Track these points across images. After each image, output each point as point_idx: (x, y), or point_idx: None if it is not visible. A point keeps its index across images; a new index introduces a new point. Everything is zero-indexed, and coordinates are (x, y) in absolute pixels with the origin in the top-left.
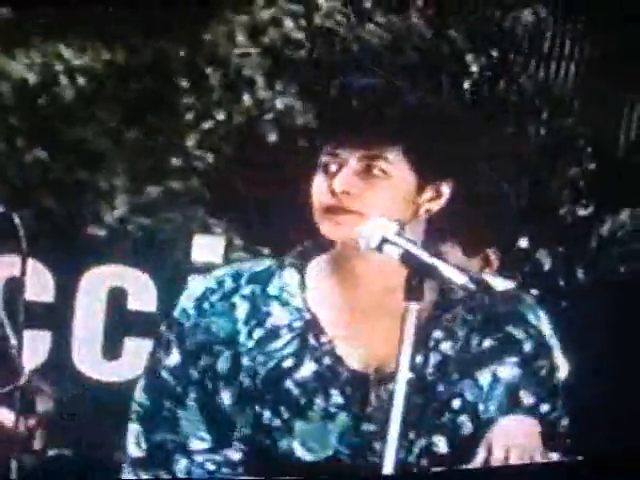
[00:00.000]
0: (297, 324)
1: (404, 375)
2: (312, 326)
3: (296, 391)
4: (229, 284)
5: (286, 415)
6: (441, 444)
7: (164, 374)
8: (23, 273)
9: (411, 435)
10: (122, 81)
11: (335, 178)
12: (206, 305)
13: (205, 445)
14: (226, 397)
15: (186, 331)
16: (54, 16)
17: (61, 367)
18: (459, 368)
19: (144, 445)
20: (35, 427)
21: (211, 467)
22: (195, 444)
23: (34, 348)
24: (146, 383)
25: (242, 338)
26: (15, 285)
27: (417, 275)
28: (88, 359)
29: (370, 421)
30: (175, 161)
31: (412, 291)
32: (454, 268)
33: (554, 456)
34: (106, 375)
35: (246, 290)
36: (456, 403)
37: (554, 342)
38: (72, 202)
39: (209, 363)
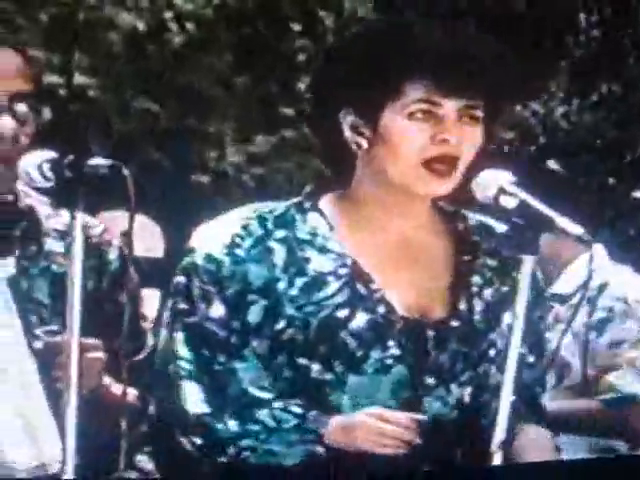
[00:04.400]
0: (343, 271)
1: (519, 329)
2: (359, 273)
3: (353, 343)
4: (257, 228)
5: (339, 369)
6: (467, 396)
7: (210, 326)
8: (131, 228)
9: (450, 386)
10: (233, 26)
11: (440, 127)
12: (240, 251)
13: (269, 395)
14: (271, 348)
15: (224, 280)
16: None
17: None
18: (494, 315)
19: (206, 401)
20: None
21: (283, 416)
22: (260, 394)
23: (144, 307)
24: (188, 337)
25: (282, 285)
26: (125, 241)
27: (532, 227)
28: None
29: (430, 373)
30: (287, 107)
31: (526, 244)
32: (568, 219)
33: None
34: None
35: (279, 234)
36: (492, 352)
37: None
38: (181, 152)
39: (253, 313)
